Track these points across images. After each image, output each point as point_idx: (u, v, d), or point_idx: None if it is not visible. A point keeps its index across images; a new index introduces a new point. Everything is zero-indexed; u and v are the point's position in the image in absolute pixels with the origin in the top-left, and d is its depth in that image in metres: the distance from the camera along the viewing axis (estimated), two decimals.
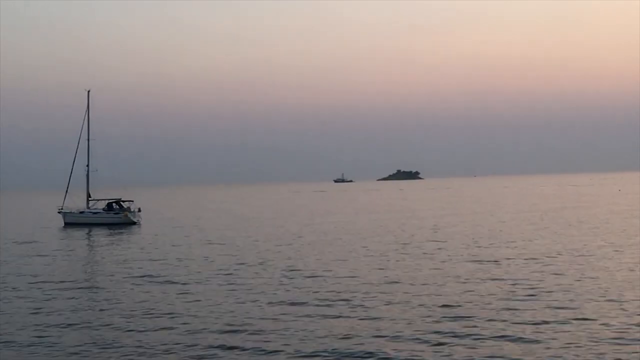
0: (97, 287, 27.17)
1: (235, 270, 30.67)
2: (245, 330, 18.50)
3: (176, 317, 20.52)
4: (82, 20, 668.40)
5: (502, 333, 17.31)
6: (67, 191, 71.57)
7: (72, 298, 24.63)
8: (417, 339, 17.08)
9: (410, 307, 20.91)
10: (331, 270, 29.36)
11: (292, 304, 21.95)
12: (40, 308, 22.67)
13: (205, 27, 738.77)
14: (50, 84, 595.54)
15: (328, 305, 21.43)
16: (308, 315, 20.08)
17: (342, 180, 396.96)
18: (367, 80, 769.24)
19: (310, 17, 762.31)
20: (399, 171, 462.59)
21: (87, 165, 71.75)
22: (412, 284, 25.14)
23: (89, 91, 72.71)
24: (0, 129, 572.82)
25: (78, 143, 71.68)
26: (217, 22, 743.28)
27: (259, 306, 21.79)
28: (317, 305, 21.49)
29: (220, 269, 30.94)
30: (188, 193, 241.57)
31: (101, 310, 22.21)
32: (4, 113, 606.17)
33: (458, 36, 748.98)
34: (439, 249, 37.01)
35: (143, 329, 19.12)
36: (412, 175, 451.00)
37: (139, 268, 32.55)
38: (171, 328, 19.09)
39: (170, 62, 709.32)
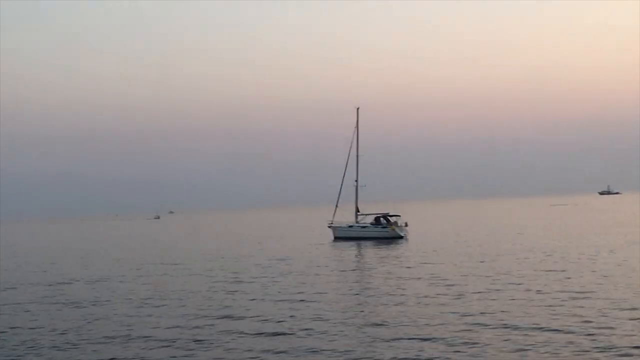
0: (365, 303, 26.58)
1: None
2: None
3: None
4: (348, 38, 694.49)
5: None
6: (336, 206, 74.02)
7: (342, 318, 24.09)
8: None
9: None
10: None
11: None
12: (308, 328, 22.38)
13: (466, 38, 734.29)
14: (322, 103, 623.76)
15: None
16: None
17: (608, 193, 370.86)
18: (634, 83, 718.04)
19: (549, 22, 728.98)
20: None
21: (356, 181, 73.80)
22: None
23: (358, 108, 74.93)
24: (273, 150, 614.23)
25: (347, 159, 73.99)
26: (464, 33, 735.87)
27: None
28: None
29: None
30: (449, 207, 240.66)
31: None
32: (281, 134, 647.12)
33: None
34: None
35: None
36: None
37: (407, 283, 32.05)
38: None
39: (426, 76, 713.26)
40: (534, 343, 18.44)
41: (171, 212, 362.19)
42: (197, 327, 22.29)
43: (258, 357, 18.14)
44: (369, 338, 19.89)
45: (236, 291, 31.08)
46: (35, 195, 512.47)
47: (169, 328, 22.30)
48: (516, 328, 20.40)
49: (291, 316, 23.80)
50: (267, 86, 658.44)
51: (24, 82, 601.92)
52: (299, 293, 29.79)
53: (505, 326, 20.68)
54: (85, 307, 27.91)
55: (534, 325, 20.64)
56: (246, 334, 21.09)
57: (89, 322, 24.03)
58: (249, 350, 18.91)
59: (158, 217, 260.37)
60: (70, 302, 29.65)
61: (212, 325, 22.59)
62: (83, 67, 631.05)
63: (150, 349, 19.46)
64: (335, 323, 22.32)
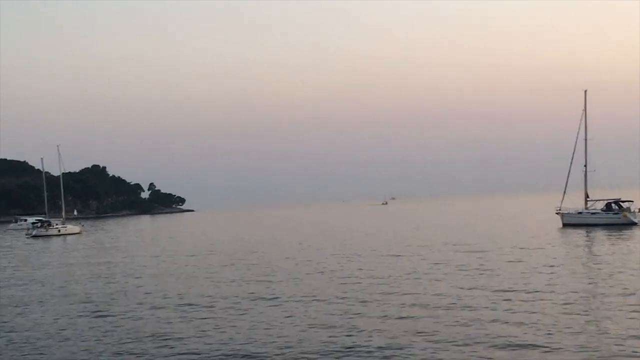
0: (593, 301, 24.85)
1: None
2: None
3: None
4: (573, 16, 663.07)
5: None
6: (564, 192, 72.00)
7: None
8: None
9: None
10: None
11: None
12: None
13: None
14: (546, 85, 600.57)
15: None
16: None
17: None
18: None
19: None
20: None
21: (585, 166, 71.22)
22: None
23: (586, 91, 72.30)
24: (494, 135, 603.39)
25: (575, 143, 71.69)
26: None
27: None
28: None
29: None
30: None
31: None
32: (502, 119, 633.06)
33: None
34: None
35: None
36: None
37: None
38: None
39: None
40: None
41: (393, 199, 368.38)
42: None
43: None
44: (592, 348, 17.52)
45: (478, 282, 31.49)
46: (273, 185, 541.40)
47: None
48: None
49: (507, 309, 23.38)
50: (489, 69, 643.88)
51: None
52: (524, 283, 29.47)
53: None
54: None
55: None
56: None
57: None
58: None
59: (386, 203, 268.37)
60: None
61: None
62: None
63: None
64: (555, 322, 20.88)
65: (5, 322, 24.17)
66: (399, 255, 44.21)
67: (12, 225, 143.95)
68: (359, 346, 18.20)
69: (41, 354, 18.98)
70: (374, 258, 43.09)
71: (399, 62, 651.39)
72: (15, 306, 28.16)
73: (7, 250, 69.98)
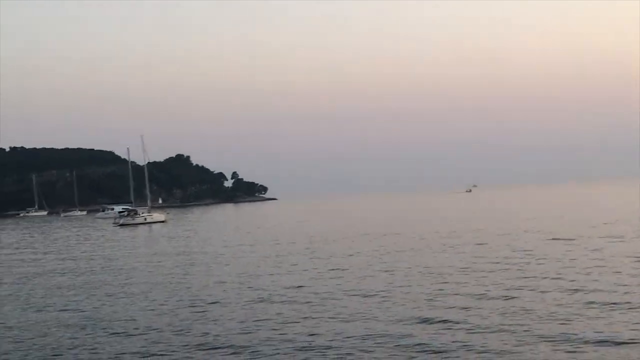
0: None
1: None
2: None
3: None
4: None
5: None
6: None
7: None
8: None
9: None
10: None
11: None
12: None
13: None
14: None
15: None
16: None
17: None
18: None
19: None
20: None
21: None
22: None
23: None
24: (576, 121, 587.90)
25: None
26: None
27: None
28: None
29: None
30: None
31: None
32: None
33: None
34: None
35: None
36: None
37: None
38: None
39: None
40: None
41: (475, 186, 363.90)
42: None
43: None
44: None
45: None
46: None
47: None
48: None
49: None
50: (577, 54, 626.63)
51: None
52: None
53: None
54: None
55: None
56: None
57: None
58: None
59: (470, 191, 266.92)
60: None
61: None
62: None
63: None
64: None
65: (92, 310, 24.91)
66: (485, 244, 44.00)
67: (99, 214, 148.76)
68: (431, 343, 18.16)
69: (124, 345, 19.43)
70: (471, 248, 42.72)
71: (488, 48, 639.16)
72: (104, 294, 28.94)
73: (96, 238, 72.29)
